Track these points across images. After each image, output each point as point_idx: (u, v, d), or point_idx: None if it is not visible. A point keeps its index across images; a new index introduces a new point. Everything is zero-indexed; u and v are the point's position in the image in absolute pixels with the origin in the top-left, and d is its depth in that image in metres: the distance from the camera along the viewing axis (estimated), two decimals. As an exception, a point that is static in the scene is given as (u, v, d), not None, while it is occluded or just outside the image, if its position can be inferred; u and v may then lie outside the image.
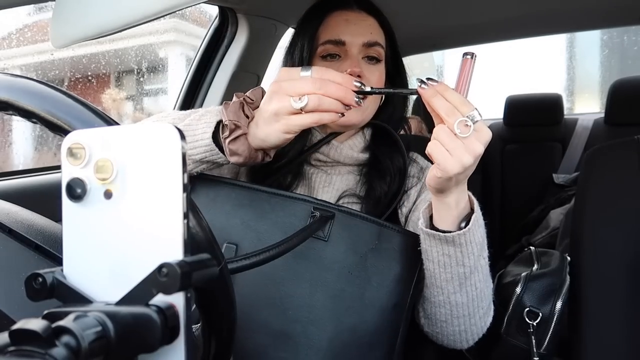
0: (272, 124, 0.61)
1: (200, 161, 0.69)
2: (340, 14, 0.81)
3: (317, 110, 0.58)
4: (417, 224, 0.67)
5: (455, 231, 0.62)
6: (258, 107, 0.65)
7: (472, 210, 0.65)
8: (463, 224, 0.63)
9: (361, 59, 0.80)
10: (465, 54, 0.59)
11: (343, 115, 0.61)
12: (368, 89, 0.62)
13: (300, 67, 0.61)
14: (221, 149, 0.66)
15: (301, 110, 0.59)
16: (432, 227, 0.65)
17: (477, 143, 0.56)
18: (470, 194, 0.65)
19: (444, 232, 0.63)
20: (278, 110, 0.60)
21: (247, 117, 0.65)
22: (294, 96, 0.58)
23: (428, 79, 0.58)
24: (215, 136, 0.66)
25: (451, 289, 0.66)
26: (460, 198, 0.62)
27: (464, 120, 0.55)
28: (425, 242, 0.65)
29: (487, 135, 0.57)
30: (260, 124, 0.63)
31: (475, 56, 0.59)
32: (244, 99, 0.67)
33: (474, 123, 0.55)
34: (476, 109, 0.56)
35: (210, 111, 0.69)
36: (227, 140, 0.64)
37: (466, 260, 0.64)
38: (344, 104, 0.59)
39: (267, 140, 0.63)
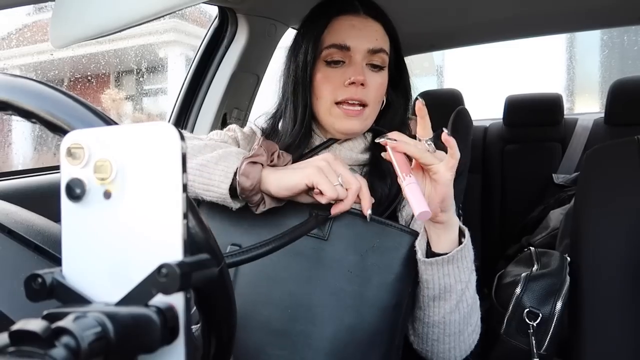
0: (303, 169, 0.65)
1: (208, 201, 0.69)
2: (346, 18, 0.80)
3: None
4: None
5: (454, 249, 0.65)
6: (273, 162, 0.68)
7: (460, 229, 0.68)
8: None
9: (365, 65, 0.79)
10: (382, 137, 0.65)
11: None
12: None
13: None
14: (233, 197, 0.67)
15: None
16: (431, 254, 0.67)
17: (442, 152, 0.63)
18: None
19: (444, 254, 0.65)
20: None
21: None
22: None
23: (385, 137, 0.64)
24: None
25: (447, 308, 0.68)
26: (454, 216, 0.66)
27: (427, 143, 0.63)
28: (426, 273, 0.67)
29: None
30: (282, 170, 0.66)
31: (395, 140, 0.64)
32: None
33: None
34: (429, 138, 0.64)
35: (229, 153, 0.68)
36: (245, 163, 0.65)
37: (463, 276, 0.66)
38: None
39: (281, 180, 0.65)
